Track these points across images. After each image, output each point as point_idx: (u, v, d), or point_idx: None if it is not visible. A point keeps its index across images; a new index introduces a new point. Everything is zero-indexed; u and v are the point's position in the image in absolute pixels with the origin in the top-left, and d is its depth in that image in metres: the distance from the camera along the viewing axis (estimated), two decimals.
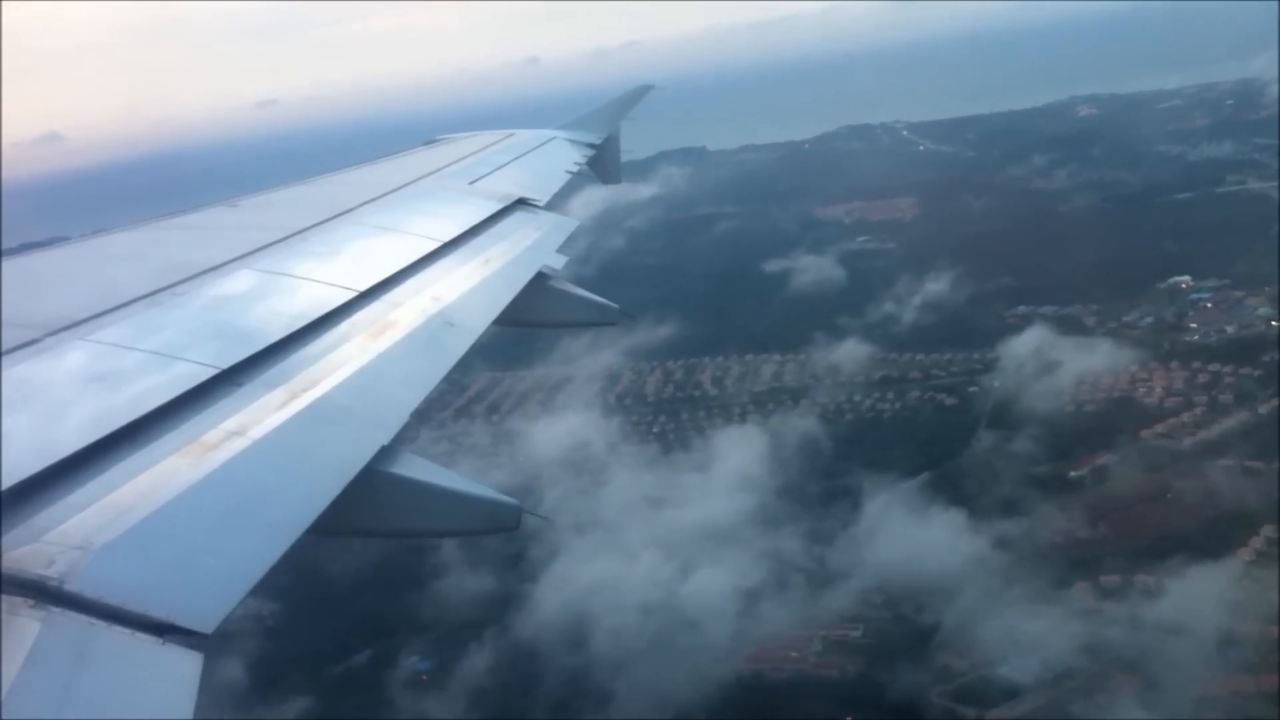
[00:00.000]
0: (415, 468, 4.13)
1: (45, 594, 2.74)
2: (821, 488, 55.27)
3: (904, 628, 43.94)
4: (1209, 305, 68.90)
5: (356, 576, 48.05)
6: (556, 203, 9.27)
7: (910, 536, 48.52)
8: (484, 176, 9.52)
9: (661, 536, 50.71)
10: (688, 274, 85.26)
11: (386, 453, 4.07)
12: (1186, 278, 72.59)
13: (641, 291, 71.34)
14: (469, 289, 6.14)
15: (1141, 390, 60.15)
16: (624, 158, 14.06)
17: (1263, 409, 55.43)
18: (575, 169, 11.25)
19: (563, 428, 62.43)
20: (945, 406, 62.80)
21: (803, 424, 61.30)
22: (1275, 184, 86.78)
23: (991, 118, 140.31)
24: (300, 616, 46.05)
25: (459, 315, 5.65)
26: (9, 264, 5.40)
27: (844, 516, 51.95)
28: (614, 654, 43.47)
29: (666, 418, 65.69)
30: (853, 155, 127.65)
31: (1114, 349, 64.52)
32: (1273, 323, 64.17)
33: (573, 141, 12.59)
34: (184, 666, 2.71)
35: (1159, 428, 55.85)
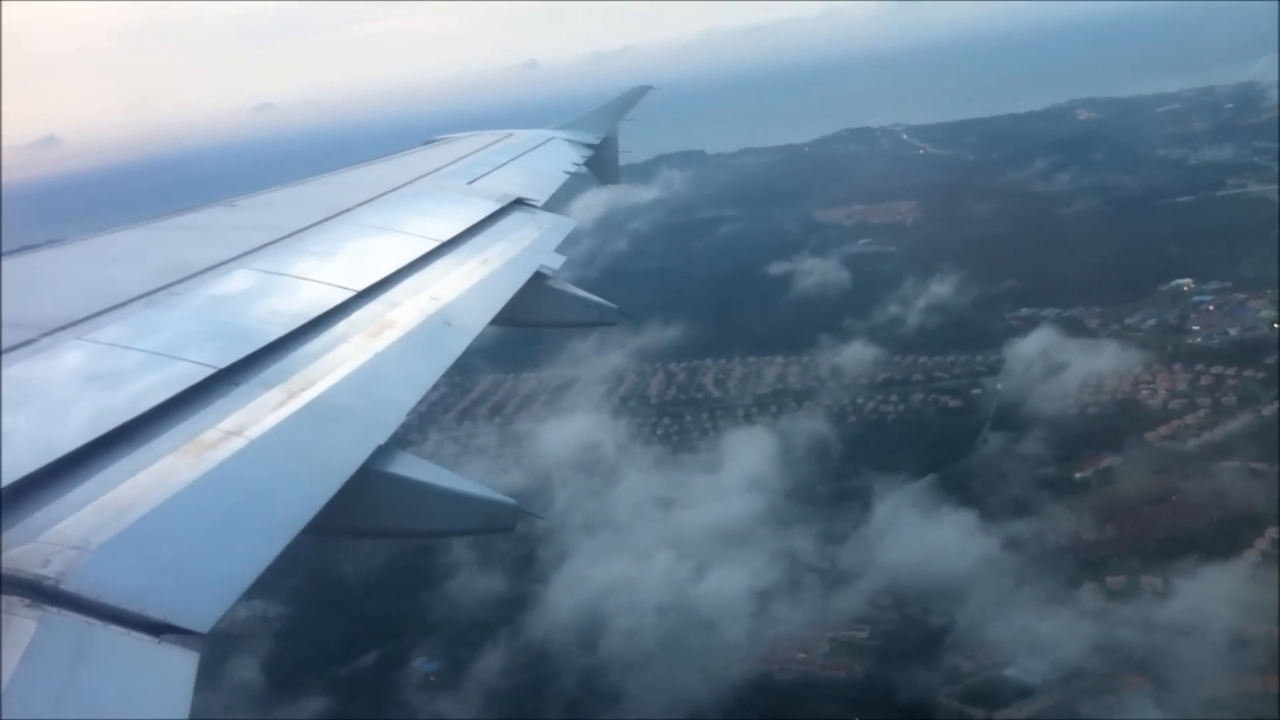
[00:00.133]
0: (412, 467, 4.12)
1: (42, 593, 2.74)
2: (826, 490, 55.24)
3: (911, 629, 43.96)
4: (1211, 308, 68.87)
5: (365, 578, 48.17)
6: (555, 203, 9.27)
7: (916, 538, 48.48)
8: (482, 176, 9.52)
9: (667, 538, 50.77)
10: (689, 276, 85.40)
11: (384, 452, 4.06)
12: (1188, 280, 72.58)
13: (643, 294, 71.49)
14: (467, 289, 6.13)
15: (1145, 392, 60.09)
16: (623, 160, 14.06)
17: (1266, 411, 55.37)
18: (574, 169, 11.26)
19: (567, 430, 62.50)
20: (949, 409, 62.77)
21: (807, 426, 61.29)
22: (1276, 187, 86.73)
23: (991, 121, 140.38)
24: (309, 617, 46.20)
25: (457, 315, 5.64)
26: (6, 264, 5.40)
27: (849, 518, 51.90)
28: (622, 655, 43.52)
29: (670, 420, 65.72)
30: (852, 158, 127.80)
31: (1117, 351, 64.48)
32: (1275, 325, 64.09)
33: (571, 142, 12.60)
34: (180, 666, 2.70)
35: (1163, 429, 55.79)
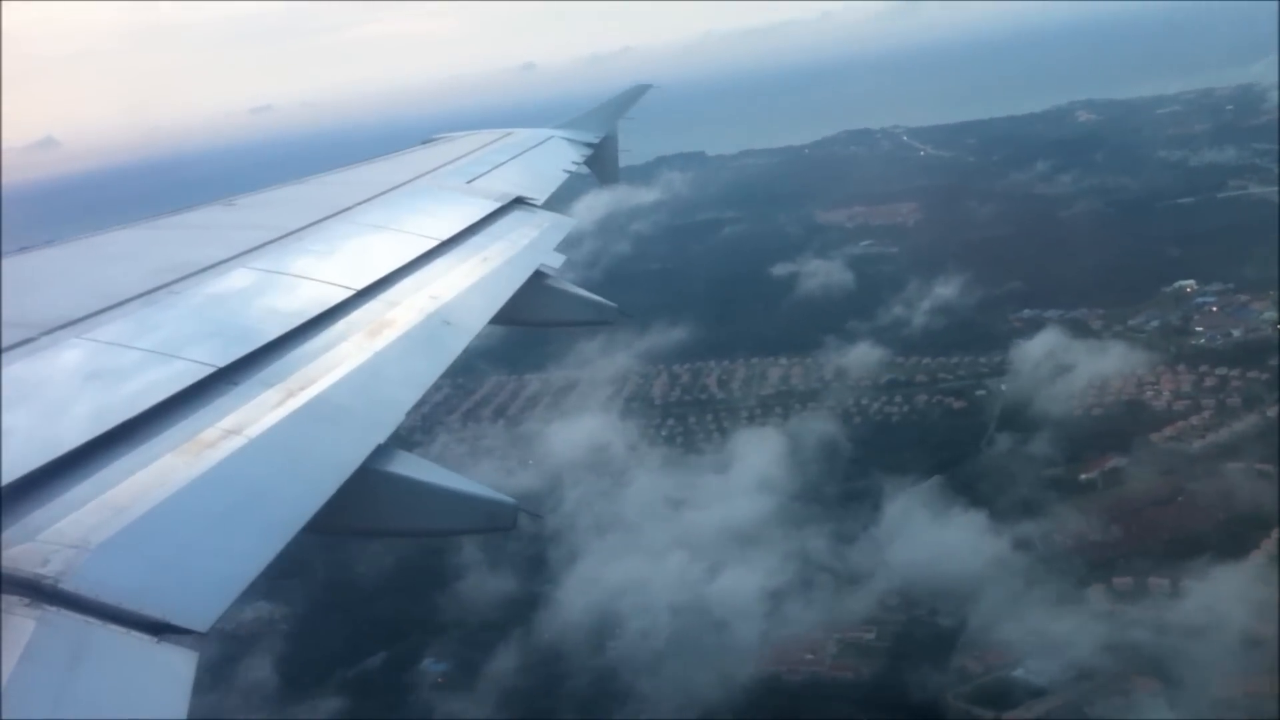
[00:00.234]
0: (412, 466, 4.11)
1: (41, 593, 2.74)
2: (831, 491, 55.13)
3: (918, 630, 43.89)
4: (1214, 309, 68.73)
5: (375, 578, 48.17)
6: (556, 204, 9.25)
7: (922, 539, 48.35)
8: (481, 175, 9.51)
9: (674, 539, 50.64)
10: (692, 278, 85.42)
11: (383, 452, 4.06)
12: (1191, 282, 72.43)
13: (646, 295, 71.54)
14: (466, 288, 6.12)
15: (1149, 393, 59.93)
16: (623, 161, 14.03)
17: (1271, 412, 55.13)
18: (573, 168, 11.24)
19: (572, 431, 62.42)
20: (953, 410, 62.63)
21: (811, 427, 61.19)
22: (1277, 189, 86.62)
23: (991, 123, 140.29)
24: (318, 618, 46.18)
25: (456, 314, 5.63)
26: (5, 263, 5.40)
27: (855, 519, 51.79)
28: (628, 656, 43.47)
29: (675, 421, 65.68)
30: (853, 160, 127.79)
31: (1121, 352, 64.31)
32: (1278, 326, 63.99)
33: (570, 140, 12.59)
34: (179, 665, 2.70)
35: (1168, 431, 55.61)
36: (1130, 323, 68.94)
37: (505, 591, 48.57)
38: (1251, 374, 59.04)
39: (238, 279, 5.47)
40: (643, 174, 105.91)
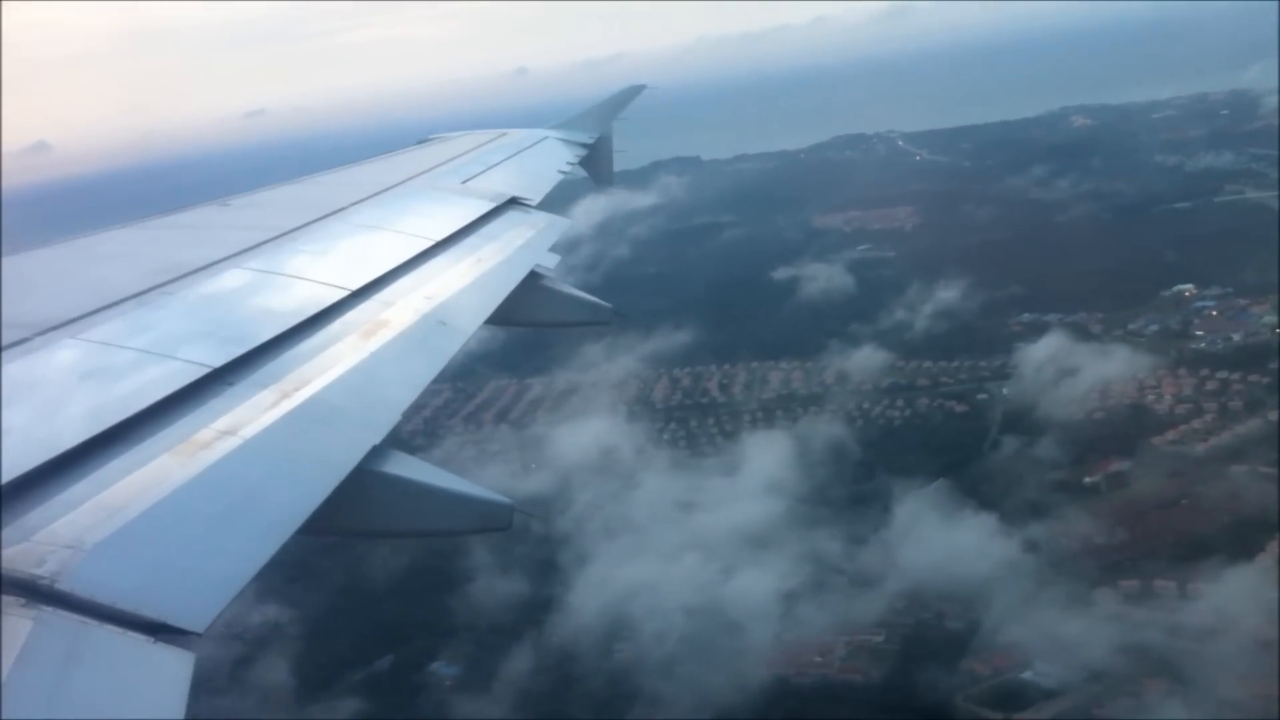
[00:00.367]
0: (407, 467, 4.11)
1: (37, 593, 2.73)
2: (837, 494, 55.05)
3: (927, 632, 43.87)
4: (1214, 313, 68.78)
5: (384, 581, 48.03)
6: (552, 205, 9.25)
7: (928, 542, 48.27)
8: (476, 176, 9.51)
9: (681, 542, 50.57)
10: (690, 282, 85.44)
11: (379, 452, 4.05)
12: (1190, 286, 72.47)
13: (646, 299, 71.51)
14: (461, 288, 6.12)
15: (1151, 397, 59.94)
16: (618, 166, 14.03)
17: (1272, 415, 55.13)
18: (568, 168, 11.25)
19: (575, 434, 62.38)
20: (955, 413, 62.63)
21: (813, 431, 61.19)
22: (1274, 193, 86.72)
23: (986, 128, 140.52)
24: (327, 621, 46.10)
25: (451, 314, 5.63)
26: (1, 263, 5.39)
27: (862, 523, 51.73)
28: (638, 659, 43.43)
29: (677, 425, 65.68)
30: (849, 165, 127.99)
31: (1121, 356, 64.28)
32: (1277, 330, 64.06)
33: (566, 141, 12.60)
34: (175, 666, 2.69)
35: (1171, 434, 55.63)
36: (1130, 327, 68.96)
37: (515, 594, 48.53)
38: (1252, 377, 59.05)
39: (232, 279, 5.47)
40: (638, 178, 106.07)
